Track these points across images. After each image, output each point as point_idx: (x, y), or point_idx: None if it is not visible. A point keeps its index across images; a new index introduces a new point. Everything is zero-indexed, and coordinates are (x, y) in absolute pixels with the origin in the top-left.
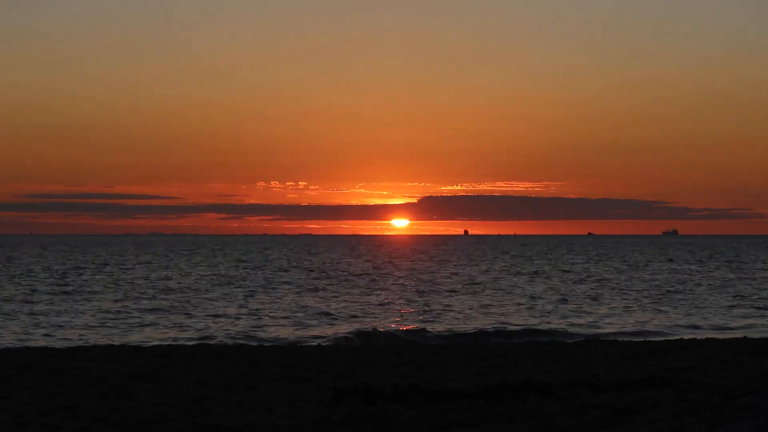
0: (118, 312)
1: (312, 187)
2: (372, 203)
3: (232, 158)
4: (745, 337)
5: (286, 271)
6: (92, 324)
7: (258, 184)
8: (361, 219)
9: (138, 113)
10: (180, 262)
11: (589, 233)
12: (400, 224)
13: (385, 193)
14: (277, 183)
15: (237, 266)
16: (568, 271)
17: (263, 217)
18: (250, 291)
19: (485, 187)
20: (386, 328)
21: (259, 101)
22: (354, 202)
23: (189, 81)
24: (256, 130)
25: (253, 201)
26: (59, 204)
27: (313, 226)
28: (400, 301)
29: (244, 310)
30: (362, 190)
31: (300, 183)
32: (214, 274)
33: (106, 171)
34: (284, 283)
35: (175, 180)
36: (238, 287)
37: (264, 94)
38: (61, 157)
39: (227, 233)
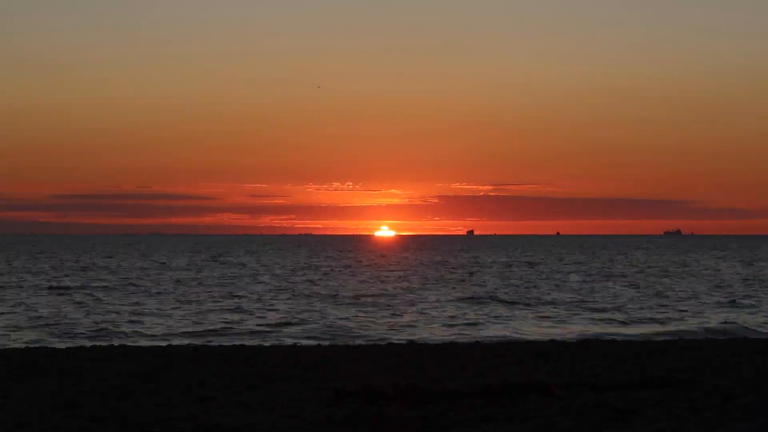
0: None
1: (342, 188)
2: (395, 203)
3: (272, 160)
4: (745, 337)
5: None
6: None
7: (290, 185)
8: (376, 219)
9: (180, 116)
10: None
11: (557, 233)
12: (412, 225)
13: (407, 192)
14: (313, 184)
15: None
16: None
17: (280, 217)
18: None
19: (511, 188)
20: (386, 329)
21: (303, 104)
22: (383, 202)
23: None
24: (296, 133)
25: (281, 202)
26: (77, 204)
27: (316, 225)
28: (396, 301)
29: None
30: (394, 191)
31: (334, 183)
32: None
33: (142, 171)
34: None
35: (212, 181)
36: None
37: (311, 98)
38: (97, 159)
39: (236, 233)
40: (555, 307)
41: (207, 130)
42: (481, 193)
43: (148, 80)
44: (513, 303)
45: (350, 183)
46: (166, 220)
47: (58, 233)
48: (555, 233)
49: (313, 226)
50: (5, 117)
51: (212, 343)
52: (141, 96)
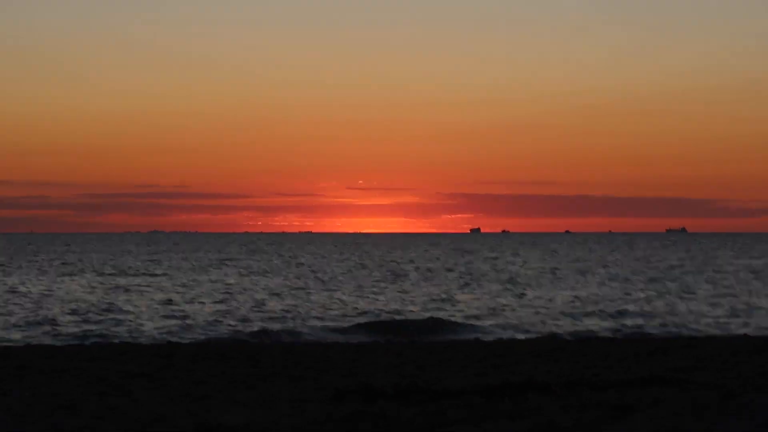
0: None
1: (363, 187)
2: (412, 202)
3: (290, 160)
4: (746, 335)
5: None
6: None
7: (307, 184)
8: (390, 218)
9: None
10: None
11: (566, 231)
12: (423, 222)
13: (425, 191)
14: (333, 183)
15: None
16: None
17: (293, 216)
18: None
19: (526, 187)
20: (385, 328)
21: (322, 105)
22: (401, 201)
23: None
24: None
25: (297, 201)
26: (75, 204)
27: (323, 224)
28: (395, 299)
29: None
30: (413, 189)
31: (356, 182)
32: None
33: (154, 171)
34: None
35: (233, 181)
36: None
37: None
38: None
39: (244, 231)
40: None
41: (223, 131)
42: (499, 192)
43: (165, 82)
44: None
45: (374, 182)
46: (173, 218)
47: (56, 232)
48: (564, 231)
49: (321, 224)
50: (6, 120)
51: (211, 342)
52: (159, 99)
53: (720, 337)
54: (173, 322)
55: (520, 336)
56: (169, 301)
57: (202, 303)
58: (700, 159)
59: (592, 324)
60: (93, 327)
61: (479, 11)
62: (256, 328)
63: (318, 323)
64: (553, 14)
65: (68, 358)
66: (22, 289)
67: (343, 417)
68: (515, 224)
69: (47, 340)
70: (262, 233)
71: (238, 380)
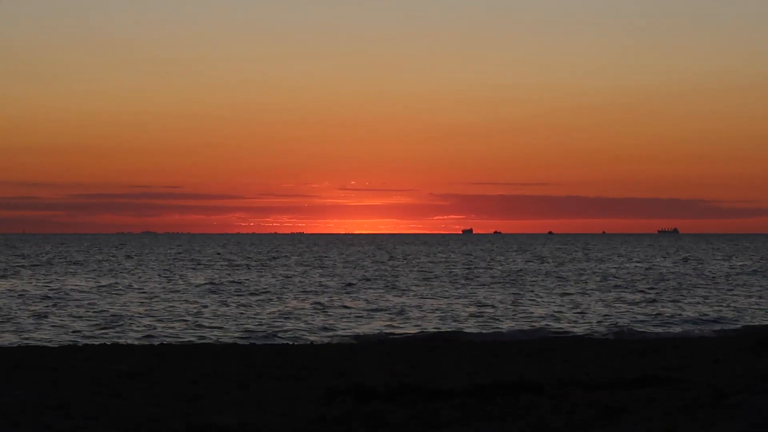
0: None
1: (356, 188)
2: (405, 203)
3: (286, 160)
4: (738, 335)
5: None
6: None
7: (301, 185)
8: (382, 218)
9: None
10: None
11: (549, 232)
12: (415, 223)
13: (419, 192)
14: (326, 184)
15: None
16: None
17: (285, 217)
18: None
19: (521, 188)
20: (379, 328)
21: (316, 105)
22: (394, 202)
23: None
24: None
25: (290, 202)
26: (69, 204)
27: (316, 224)
28: (386, 301)
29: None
30: (407, 190)
31: (349, 182)
32: None
33: (148, 172)
34: None
35: (227, 181)
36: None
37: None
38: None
39: (236, 232)
40: None
41: (215, 132)
42: (491, 193)
43: (158, 85)
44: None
45: (366, 182)
46: (164, 219)
47: (47, 232)
48: (548, 232)
49: (313, 225)
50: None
51: (204, 342)
52: (152, 100)
53: (712, 336)
54: (169, 323)
55: (513, 336)
56: (169, 304)
57: (200, 304)
58: (691, 160)
59: (585, 324)
60: (93, 328)
61: (471, 12)
62: (250, 328)
63: (313, 323)
64: (547, 16)
65: (60, 357)
66: (54, 286)
67: (336, 417)
68: (507, 225)
69: (42, 341)
70: (254, 234)
71: (230, 380)
